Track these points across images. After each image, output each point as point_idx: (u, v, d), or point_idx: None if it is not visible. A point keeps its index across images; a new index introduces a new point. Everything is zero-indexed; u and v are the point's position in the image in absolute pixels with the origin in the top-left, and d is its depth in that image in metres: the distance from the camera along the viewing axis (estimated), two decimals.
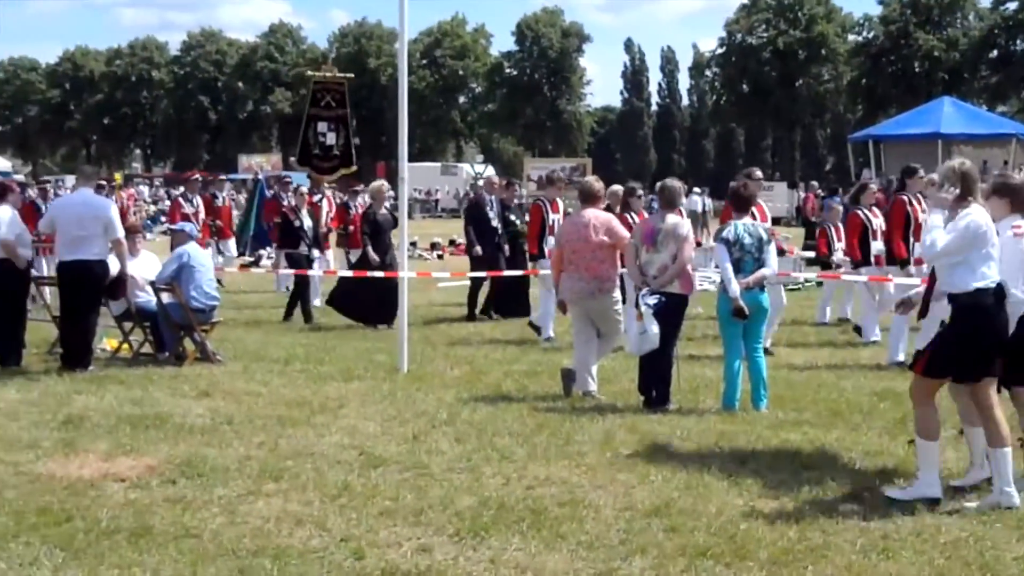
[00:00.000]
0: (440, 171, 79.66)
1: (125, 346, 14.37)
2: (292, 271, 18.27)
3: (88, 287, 13.04)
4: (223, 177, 43.35)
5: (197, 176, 27.26)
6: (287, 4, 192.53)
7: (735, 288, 10.78)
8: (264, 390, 11.94)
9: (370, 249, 17.49)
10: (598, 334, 11.73)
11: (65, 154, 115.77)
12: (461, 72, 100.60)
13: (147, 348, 14.27)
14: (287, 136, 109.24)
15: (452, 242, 35.36)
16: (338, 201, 22.52)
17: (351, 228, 20.90)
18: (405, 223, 14.39)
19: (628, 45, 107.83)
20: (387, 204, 18.24)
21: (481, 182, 17.63)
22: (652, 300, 10.84)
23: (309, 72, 14.71)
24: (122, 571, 6.46)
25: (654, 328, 10.71)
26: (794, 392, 11.80)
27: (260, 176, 29.18)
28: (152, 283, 13.95)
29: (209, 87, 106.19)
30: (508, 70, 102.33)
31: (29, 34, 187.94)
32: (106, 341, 14.59)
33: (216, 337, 14.44)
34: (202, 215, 22.32)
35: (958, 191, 7.77)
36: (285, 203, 20.37)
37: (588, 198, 11.85)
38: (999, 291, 7.71)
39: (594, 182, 12.18)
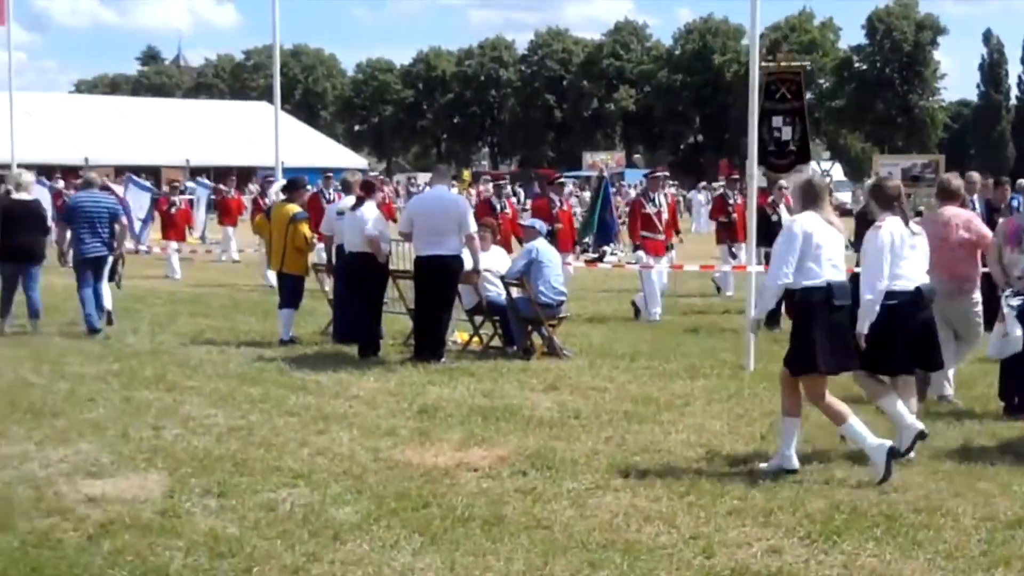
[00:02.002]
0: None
1: (475, 339, 14.77)
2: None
3: (443, 281, 13.47)
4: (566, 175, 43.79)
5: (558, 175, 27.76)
6: (631, 2, 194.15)
7: None
8: (610, 386, 12.04)
9: None
10: (955, 336, 11.24)
11: (417, 152, 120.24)
12: (808, 67, 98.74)
13: (496, 342, 14.62)
14: (631, 133, 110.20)
15: None
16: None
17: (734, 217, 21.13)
18: (754, 221, 14.09)
19: (987, 36, 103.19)
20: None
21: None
22: (1016, 302, 10.32)
23: (763, 63, 14.23)
24: (477, 558, 6.62)
25: (1017, 331, 10.20)
26: None
27: (605, 173, 29.39)
28: (502, 278, 14.27)
29: (555, 85, 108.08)
30: (857, 64, 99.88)
31: (385, 37, 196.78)
32: (457, 334, 15.03)
33: (563, 332, 14.66)
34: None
35: None
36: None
37: (946, 195, 11.37)
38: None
39: (952, 179, 11.70)
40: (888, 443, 8.32)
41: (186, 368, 13.06)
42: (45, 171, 36.00)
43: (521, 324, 14.19)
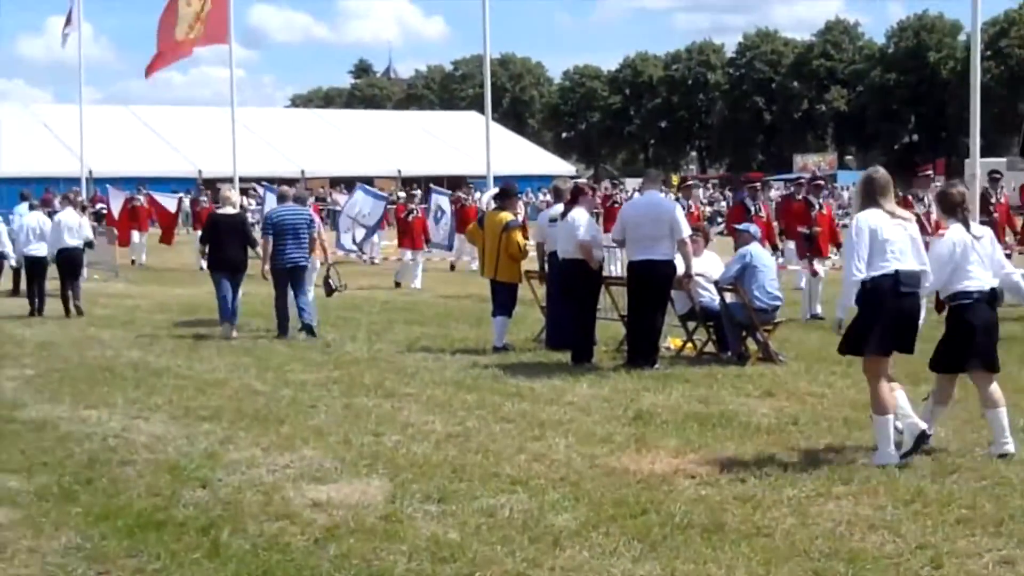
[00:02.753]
0: (1006, 166, 75.86)
1: (689, 345, 14.67)
2: None
3: (655, 286, 13.41)
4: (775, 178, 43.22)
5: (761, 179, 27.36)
6: (841, 1, 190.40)
7: None
8: (828, 391, 11.81)
9: None
10: None
11: (625, 158, 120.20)
12: None
13: (710, 347, 14.50)
14: (843, 134, 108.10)
15: None
16: None
17: None
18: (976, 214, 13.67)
19: None
20: None
21: None
22: None
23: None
24: (697, 566, 6.56)
25: None
26: None
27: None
28: (716, 283, 14.15)
29: (764, 87, 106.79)
30: None
31: (592, 43, 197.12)
32: (670, 340, 14.94)
33: (778, 337, 14.45)
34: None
35: None
36: None
37: None
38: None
39: None
40: (896, 457, 8.70)
41: (403, 375, 13.29)
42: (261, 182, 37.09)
43: (735, 329, 14.04)
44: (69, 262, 20.53)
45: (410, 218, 27.14)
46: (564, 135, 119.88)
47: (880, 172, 9.29)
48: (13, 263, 21.59)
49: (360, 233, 25.60)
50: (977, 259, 9.04)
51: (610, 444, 9.61)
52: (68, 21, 30.99)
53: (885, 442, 8.75)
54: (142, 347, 15.97)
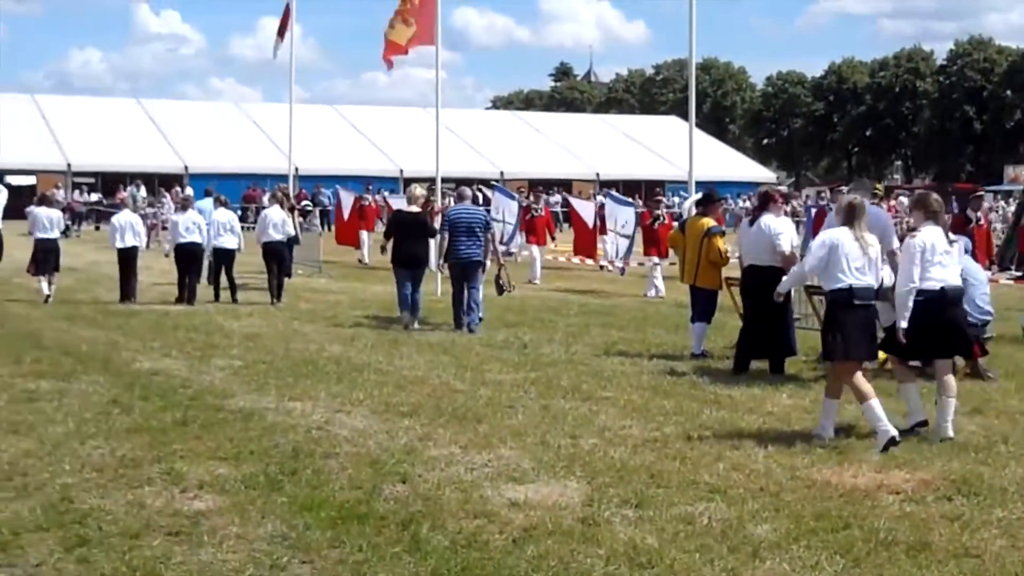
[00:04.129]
0: None
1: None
2: None
3: None
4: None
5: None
6: None
7: None
8: None
9: None
10: None
11: (827, 165, 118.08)
12: None
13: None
14: None
15: None
16: None
17: None
18: None
19: None
20: None
21: None
22: None
23: None
24: None
25: None
26: None
27: None
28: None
29: (975, 96, 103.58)
30: None
31: (797, 49, 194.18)
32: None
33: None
34: None
35: None
36: None
37: None
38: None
39: None
40: (894, 432, 9.70)
41: (600, 379, 13.28)
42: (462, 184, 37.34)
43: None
44: (273, 255, 21.74)
45: (656, 225, 27.29)
46: (765, 141, 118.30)
47: (853, 196, 10.73)
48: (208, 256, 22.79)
49: (624, 245, 25.96)
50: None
51: (811, 456, 9.43)
52: (282, 29, 31.81)
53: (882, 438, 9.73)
54: (344, 342, 16.30)
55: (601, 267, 30.01)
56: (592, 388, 12.63)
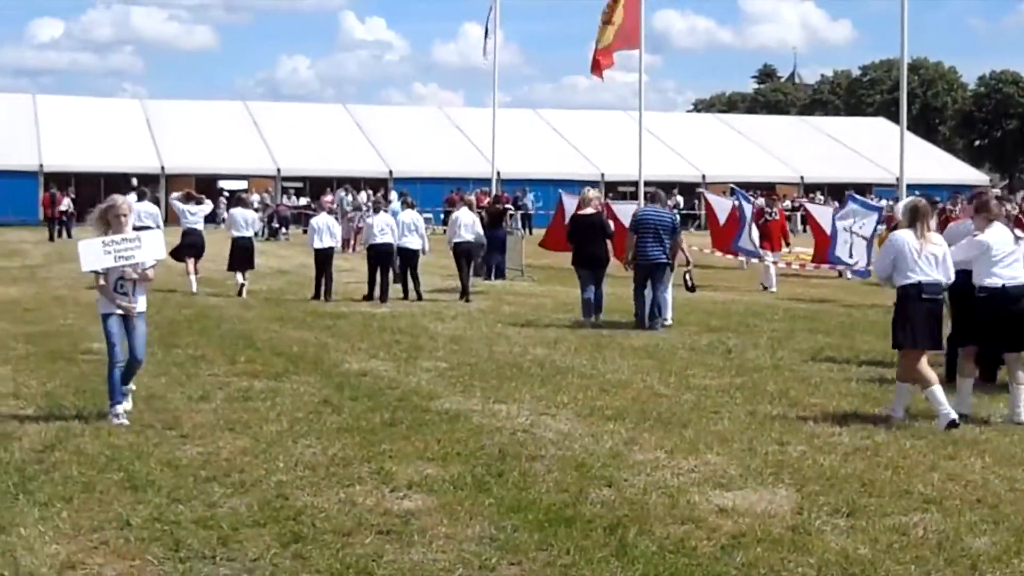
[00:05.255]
0: None
1: None
2: None
3: None
4: None
5: None
6: None
7: None
8: None
9: None
10: None
11: None
12: None
13: None
14: None
15: None
16: None
17: None
18: None
19: None
20: None
21: None
22: None
23: None
24: None
25: None
26: None
27: None
28: None
29: None
30: None
31: (1009, 48, 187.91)
32: None
33: None
34: None
35: None
36: None
37: None
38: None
39: None
40: (954, 416, 10.48)
41: (807, 384, 13.05)
42: (665, 188, 37.15)
43: None
44: (463, 255, 23.53)
45: (768, 220, 27.33)
46: (977, 143, 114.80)
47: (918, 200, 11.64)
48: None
49: (860, 247, 24.91)
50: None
51: None
52: (487, 33, 32.27)
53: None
54: (547, 345, 16.37)
55: (839, 273, 29.08)
56: (799, 394, 12.43)
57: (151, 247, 10.74)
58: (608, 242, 19.53)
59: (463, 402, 11.92)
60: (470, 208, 24.91)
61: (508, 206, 37.86)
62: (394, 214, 24.49)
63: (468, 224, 23.64)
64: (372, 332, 17.73)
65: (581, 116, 79.14)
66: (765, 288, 26.15)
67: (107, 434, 10.11)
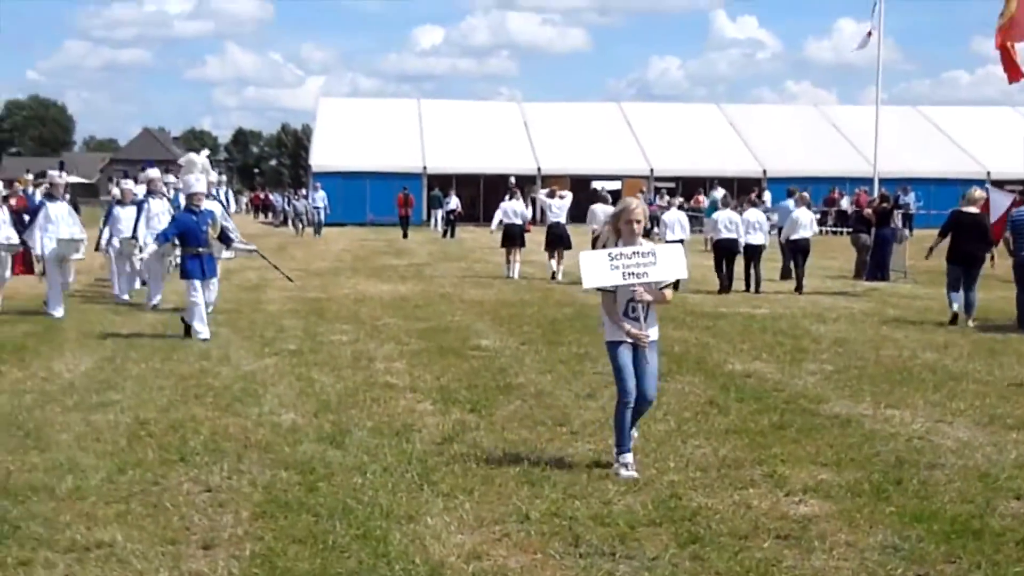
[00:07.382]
0: None
1: None
2: None
3: None
4: None
5: None
6: None
7: None
8: None
9: None
10: None
11: None
12: None
13: None
14: None
15: None
16: None
17: None
18: None
19: None
20: None
21: None
22: None
23: None
24: None
25: None
26: None
27: None
28: None
29: None
30: None
31: None
32: None
33: None
34: None
35: None
36: None
37: None
38: None
39: None
40: None
41: None
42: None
43: None
44: (800, 251, 25.46)
45: None
46: None
47: None
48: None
49: None
50: None
51: None
52: (870, 33, 31.44)
53: None
54: (936, 349, 15.77)
55: None
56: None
57: (669, 264, 8.81)
58: (985, 244, 19.30)
59: (853, 407, 11.61)
60: (808, 207, 26.99)
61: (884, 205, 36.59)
62: (766, 211, 25.96)
63: (805, 223, 25.75)
64: (753, 333, 17.55)
65: (964, 112, 75.87)
66: None
67: (500, 428, 10.41)
